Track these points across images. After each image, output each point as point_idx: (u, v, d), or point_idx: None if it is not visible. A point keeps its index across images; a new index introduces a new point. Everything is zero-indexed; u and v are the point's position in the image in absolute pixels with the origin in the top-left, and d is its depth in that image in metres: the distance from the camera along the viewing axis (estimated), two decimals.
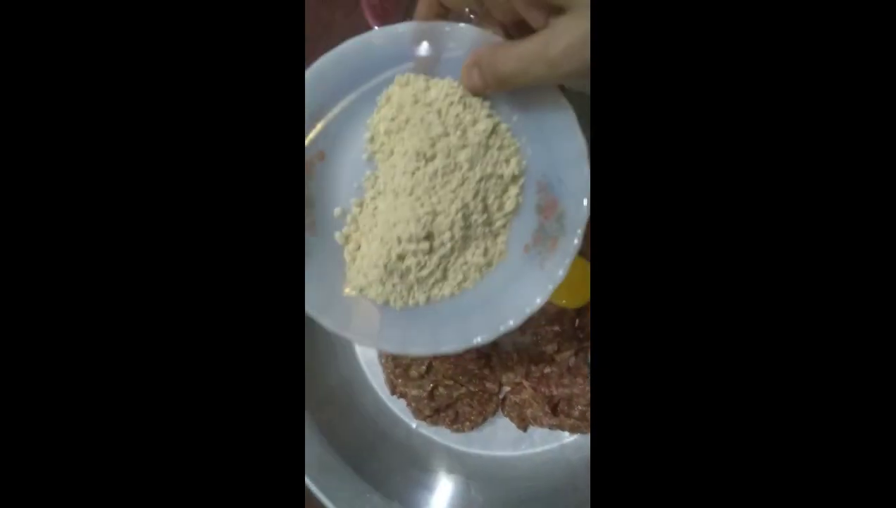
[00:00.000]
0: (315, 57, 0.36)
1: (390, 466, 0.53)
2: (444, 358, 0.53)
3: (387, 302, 0.38)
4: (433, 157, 0.35)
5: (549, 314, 0.52)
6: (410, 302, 0.38)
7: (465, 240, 0.37)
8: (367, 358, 0.56)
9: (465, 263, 0.38)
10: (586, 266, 0.50)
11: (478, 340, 0.37)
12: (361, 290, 0.38)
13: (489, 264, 0.39)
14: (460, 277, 0.38)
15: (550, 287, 0.37)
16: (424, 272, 0.37)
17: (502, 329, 0.37)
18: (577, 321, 0.52)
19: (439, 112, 0.36)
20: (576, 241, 0.37)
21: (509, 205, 0.38)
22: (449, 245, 0.36)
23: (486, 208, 0.37)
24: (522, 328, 0.52)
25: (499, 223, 0.38)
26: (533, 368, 0.52)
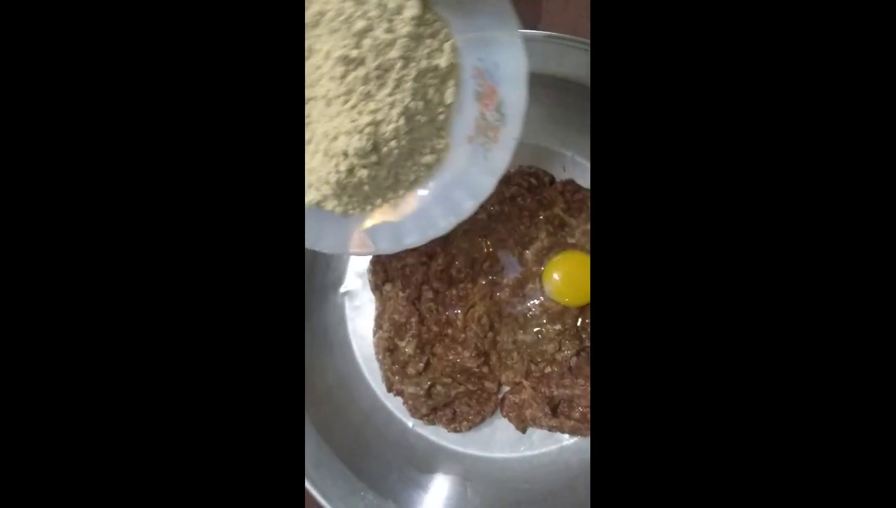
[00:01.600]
0: None
1: (386, 465, 0.52)
2: (441, 355, 0.52)
3: (345, 212, 0.38)
4: (362, 60, 0.33)
5: (550, 313, 0.51)
6: (368, 208, 0.39)
7: (412, 142, 0.37)
8: (365, 355, 0.55)
9: (415, 164, 0.38)
10: (589, 263, 0.49)
11: (440, 226, 0.39)
12: (318, 204, 0.38)
13: (438, 162, 0.38)
14: (412, 177, 0.38)
15: (494, 179, 0.38)
16: (377, 182, 0.37)
17: (454, 220, 0.39)
18: (580, 320, 0.51)
19: None
20: (517, 129, 0.36)
21: (449, 96, 0.36)
22: (397, 152, 0.36)
23: (427, 106, 0.36)
24: (524, 327, 0.52)
25: (441, 118, 0.37)
26: (533, 367, 0.51)
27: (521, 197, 0.52)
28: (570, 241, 0.52)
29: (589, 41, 0.47)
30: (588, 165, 0.52)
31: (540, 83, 0.50)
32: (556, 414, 0.51)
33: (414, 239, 0.39)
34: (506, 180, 0.53)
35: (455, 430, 0.53)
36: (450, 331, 0.53)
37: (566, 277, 0.50)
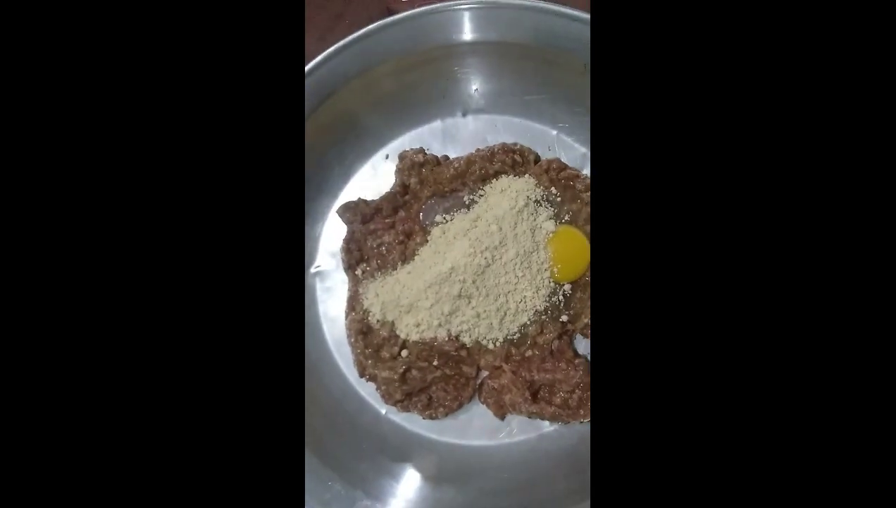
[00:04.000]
0: None
1: (356, 453, 0.49)
2: (418, 338, 0.50)
3: None
4: None
5: None
6: None
7: None
8: (336, 339, 0.53)
9: None
10: (580, 238, 0.48)
11: None
12: None
13: None
14: None
15: None
16: None
17: None
18: (563, 303, 0.49)
19: None
20: None
21: None
22: None
23: None
24: None
25: None
26: (514, 351, 0.49)
27: (505, 174, 0.51)
28: None
29: (578, 10, 0.46)
30: (574, 143, 0.51)
31: (522, 55, 0.49)
32: (536, 400, 0.49)
33: None
34: (489, 157, 0.51)
35: (430, 417, 0.50)
36: None
37: (557, 253, 0.48)
